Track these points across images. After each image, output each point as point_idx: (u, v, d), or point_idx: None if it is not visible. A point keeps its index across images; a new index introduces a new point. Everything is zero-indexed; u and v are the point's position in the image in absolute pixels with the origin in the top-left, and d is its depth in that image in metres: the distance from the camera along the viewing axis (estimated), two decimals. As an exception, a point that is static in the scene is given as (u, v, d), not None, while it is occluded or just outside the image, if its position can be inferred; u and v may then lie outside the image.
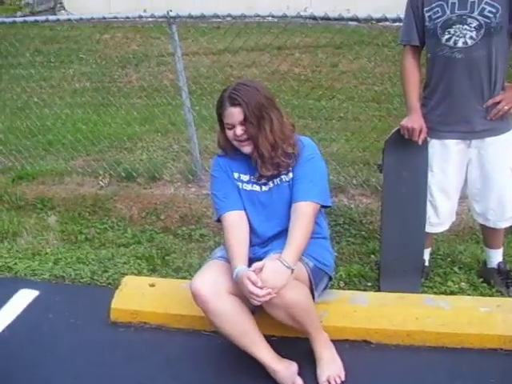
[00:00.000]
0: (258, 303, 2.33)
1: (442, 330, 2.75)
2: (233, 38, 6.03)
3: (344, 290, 3.16)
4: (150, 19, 4.85)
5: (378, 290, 3.15)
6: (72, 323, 3.03)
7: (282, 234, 2.59)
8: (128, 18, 4.49)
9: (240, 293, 2.44)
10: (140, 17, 4.43)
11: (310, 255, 2.60)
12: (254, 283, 2.29)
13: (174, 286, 2.76)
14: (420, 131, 2.86)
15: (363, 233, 3.82)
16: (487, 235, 3.19)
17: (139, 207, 4.33)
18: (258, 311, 2.50)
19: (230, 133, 2.54)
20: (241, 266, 2.43)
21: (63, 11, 13.29)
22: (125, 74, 8.03)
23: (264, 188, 2.64)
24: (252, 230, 2.65)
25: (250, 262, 2.47)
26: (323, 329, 2.63)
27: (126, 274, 3.36)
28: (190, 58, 7.25)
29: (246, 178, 2.66)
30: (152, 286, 3.08)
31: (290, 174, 2.60)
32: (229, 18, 4.43)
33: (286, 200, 2.61)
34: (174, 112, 5.66)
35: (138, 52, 8.87)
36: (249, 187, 2.65)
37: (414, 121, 2.87)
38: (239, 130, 2.50)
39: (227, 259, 2.57)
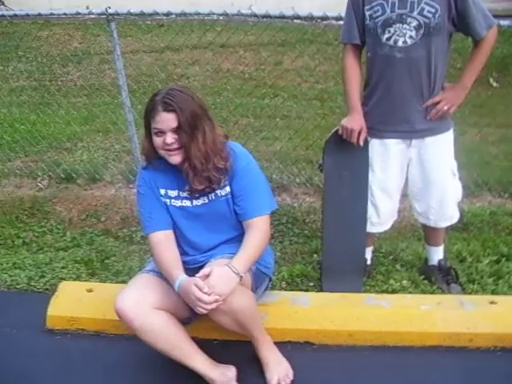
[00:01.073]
0: (205, 312, 2.27)
1: (383, 329, 2.77)
2: (174, 36, 5.95)
3: (286, 290, 3.15)
4: (89, 16, 4.72)
5: (321, 289, 3.15)
6: (6, 331, 2.93)
7: (224, 242, 2.55)
8: (65, 14, 4.37)
9: (168, 306, 2.40)
10: (78, 14, 4.30)
11: None
12: (200, 289, 2.24)
13: (113, 291, 2.67)
14: (359, 132, 2.85)
15: (306, 232, 3.82)
16: (428, 233, 3.23)
17: (79, 209, 4.23)
18: (197, 317, 2.46)
19: (158, 140, 2.39)
20: (182, 275, 2.38)
21: (3, 6, 12.93)
22: (66, 72, 7.83)
23: (196, 202, 2.53)
24: (189, 244, 2.59)
25: (190, 271, 2.42)
26: (265, 331, 2.61)
27: (65, 279, 3.28)
28: (132, 56, 7.11)
29: (173, 193, 2.55)
30: (90, 291, 3.00)
31: (227, 189, 2.51)
32: (171, 16, 4.35)
33: (225, 214, 2.54)
34: (115, 111, 5.54)
35: (79, 50, 8.67)
36: (178, 203, 2.55)
37: (354, 121, 2.86)
38: (170, 138, 2.36)
39: (158, 272, 2.51)
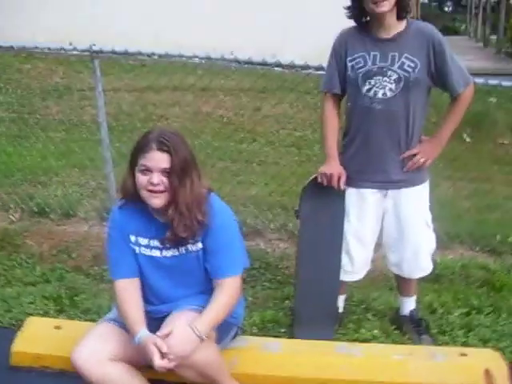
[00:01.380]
0: (164, 370, 2.24)
1: (355, 378, 2.74)
2: (157, 76, 6.00)
3: (257, 336, 3.11)
4: (74, 52, 4.73)
5: (292, 336, 3.12)
6: (-31, 366, 2.85)
7: (189, 295, 2.50)
8: (50, 49, 4.39)
9: (128, 357, 2.36)
10: (62, 49, 4.32)
11: None
12: (159, 349, 2.21)
13: (81, 329, 2.61)
14: (339, 177, 2.89)
15: (279, 278, 3.81)
16: (401, 283, 3.24)
17: (50, 244, 4.17)
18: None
19: (143, 178, 2.31)
20: (143, 330, 2.34)
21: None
22: (45, 106, 7.84)
23: (165, 253, 2.46)
24: (154, 294, 2.53)
25: (153, 321, 2.39)
26: (234, 376, 2.57)
27: (32, 315, 3.20)
28: (113, 94, 7.15)
29: (144, 241, 2.47)
30: (57, 328, 2.93)
31: (200, 244, 2.43)
32: (155, 56, 4.38)
33: (193, 270, 2.48)
34: (92, 148, 5.53)
35: (60, 85, 8.69)
36: (147, 252, 2.47)
37: (333, 167, 2.90)
38: (157, 178, 2.29)
39: (120, 322, 2.47)
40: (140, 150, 2.32)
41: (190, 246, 2.44)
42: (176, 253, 2.46)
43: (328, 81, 2.97)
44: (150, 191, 2.32)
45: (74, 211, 4.61)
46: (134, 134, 5.92)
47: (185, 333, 2.25)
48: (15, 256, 4.01)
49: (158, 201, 2.33)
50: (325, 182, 2.91)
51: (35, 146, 6.12)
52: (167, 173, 2.30)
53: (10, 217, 4.56)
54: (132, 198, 2.43)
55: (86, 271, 3.87)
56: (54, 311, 3.34)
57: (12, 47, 4.41)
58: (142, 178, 2.32)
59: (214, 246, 2.43)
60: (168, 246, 2.45)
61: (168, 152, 2.29)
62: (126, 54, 4.10)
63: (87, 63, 4.14)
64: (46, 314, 3.28)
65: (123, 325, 2.45)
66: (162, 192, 2.32)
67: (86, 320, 3.20)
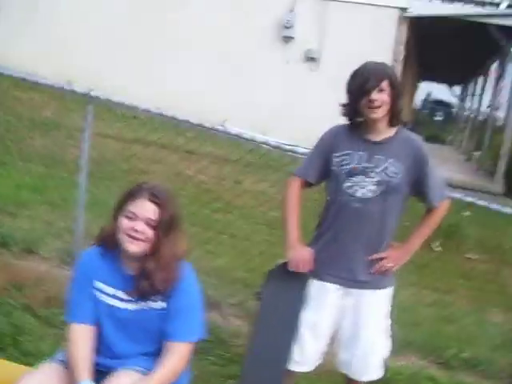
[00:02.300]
0: None
1: None
2: (147, 131, 6.06)
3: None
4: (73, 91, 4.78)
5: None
6: None
7: (139, 353, 2.47)
8: (50, 86, 4.45)
9: None
10: (61, 88, 4.38)
11: None
12: None
13: (17, 371, 2.51)
14: (309, 261, 2.91)
15: (228, 355, 3.74)
16: None
17: (4, 278, 4.07)
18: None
19: (126, 222, 2.36)
20: (87, 380, 2.30)
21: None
22: (31, 137, 7.82)
23: (127, 306, 2.46)
24: (105, 345, 2.50)
25: (98, 374, 2.34)
26: None
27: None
28: (100, 139, 7.17)
29: (110, 290, 2.47)
30: (-8, 368, 2.82)
31: (163, 304, 2.44)
32: (147, 112, 4.44)
33: (150, 327, 2.46)
34: (68, 188, 5.49)
35: (50, 119, 8.72)
36: (110, 301, 2.47)
37: (299, 251, 2.93)
38: (140, 226, 2.34)
39: (66, 364, 2.42)
40: (131, 196, 2.39)
41: (153, 304, 2.45)
42: (138, 307, 2.46)
43: (304, 168, 3.04)
44: (130, 236, 2.35)
45: (37, 248, 4.54)
46: (112, 183, 5.93)
47: None
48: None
49: (134, 248, 2.36)
50: (295, 268, 2.91)
51: (11, 175, 6.07)
52: (152, 225, 2.35)
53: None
54: (107, 243, 2.46)
55: (36, 312, 3.78)
56: (-6, 349, 3.24)
57: (12, 76, 4.47)
58: (125, 223, 2.36)
59: (177, 308, 2.43)
60: (132, 299, 2.44)
61: (158, 205, 2.36)
62: (122, 105, 4.15)
63: (82, 104, 4.15)
64: (-16, 351, 3.18)
65: (69, 367, 2.40)
66: (141, 240, 2.36)
67: (24, 363, 3.09)
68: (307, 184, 3.04)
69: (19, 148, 7.11)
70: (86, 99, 4.16)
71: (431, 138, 18.33)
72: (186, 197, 6.34)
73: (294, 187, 3.02)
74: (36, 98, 9.58)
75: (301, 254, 2.93)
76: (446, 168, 10.88)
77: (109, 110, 8.34)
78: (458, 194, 3.78)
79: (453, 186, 3.70)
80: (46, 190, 5.85)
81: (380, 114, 2.77)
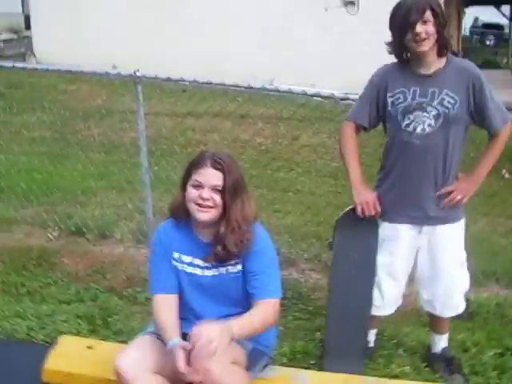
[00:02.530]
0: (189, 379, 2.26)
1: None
2: (197, 102, 6.09)
3: (287, 366, 3.09)
4: (117, 77, 4.85)
5: (322, 368, 3.10)
6: (1, 381, 2.89)
7: (225, 317, 2.51)
8: (95, 73, 4.51)
9: (166, 371, 2.38)
10: (107, 74, 4.44)
11: (250, 338, 2.50)
12: (186, 348, 2.24)
13: (112, 351, 2.64)
14: (373, 204, 2.90)
15: (310, 308, 3.79)
16: (433, 321, 3.20)
17: (86, 264, 4.23)
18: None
19: (193, 191, 2.42)
20: (176, 338, 2.38)
21: (33, 58, 13.34)
22: (87, 127, 7.99)
23: (207, 272, 2.53)
24: (190, 309, 2.58)
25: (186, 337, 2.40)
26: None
27: (65, 333, 3.25)
28: (153, 118, 7.26)
29: (187, 259, 2.55)
30: (89, 348, 2.96)
31: (239, 266, 2.50)
32: (195, 84, 4.45)
33: (231, 291, 2.53)
34: (131, 170, 5.61)
35: (102, 107, 8.86)
36: (189, 269, 2.55)
37: (364, 195, 2.92)
38: (207, 193, 2.39)
39: (158, 335, 2.50)
40: (194, 165, 2.45)
41: (230, 268, 2.51)
42: (216, 273, 2.53)
43: (356, 111, 3.00)
44: (199, 205, 2.41)
45: (111, 232, 4.68)
46: (172, 158, 6.02)
47: (215, 325, 2.23)
48: (51, 274, 4.09)
49: (205, 215, 2.43)
50: (361, 212, 2.92)
51: (75, 166, 6.24)
52: (218, 191, 2.40)
53: (48, 235, 4.64)
54: (179, 214, 2.54)
55: (120, 293, 3.91)
56: (87, 331, 3.39)
57: (58, 70, 4.56)
58: (192, 192, 2.43)
59: (255, 269, 2.48)
60: (210, 265, 2.51)
61: (221, 170, 2.40)
62: (168, 80, 4.17)
63: (130, 87, 4.20)
64: (78, 333, 3.33)
65: (161, 338, 2.48)
66: (210, 207, 2.42)
67: (117, 341, 3.23)
68: (361, 128, 3.00)
69: (78, 139, 7.31)
70: (133, 81, 4.20)
71: (485, 64, 17.68)
72: (246, 161, 6.38)
73: (348, 131, 2.99)
74: (85, 88, 9.75)
75: (364, 198, 2.92)
76: (505, 92, 10.50)
77: (157, 88, 8.42)
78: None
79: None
80: (110, 176, 5.99)
81: (427, 46, 2.70)
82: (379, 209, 2.93)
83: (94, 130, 7.88)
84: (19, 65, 5.01)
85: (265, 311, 2.44)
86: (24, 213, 5.01)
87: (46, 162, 6.24)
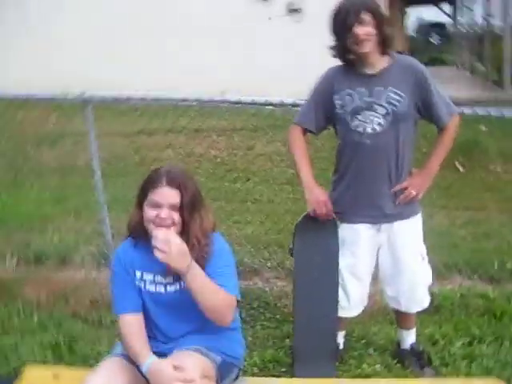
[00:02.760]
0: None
1: (357, 416, 2.71)
2: (149, 120, 6.06)
3: (258, 376, 3.08)
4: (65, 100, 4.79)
5: (293, 375, 3.09)
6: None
7: (190, 333, 2.51)
8: (41, 98, 4.45)
9: None
10: (54, 98, 4.39)
11: (218, 350, 2.49)
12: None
13: (80, 376, 2.58)
14: (325, 202, 2.92)
15: (278, 316, 3.79)
16: (399, 317, 3.23)
17: (48, 291, 4.14)
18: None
19: (151, 212, 2.37)
20: (150, 356, 2.35)
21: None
22: (39, 153, 7.87)
23: (169, 288, 2.49)
24: (156, 327, 2.54)
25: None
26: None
27: (29, 364, 3.17)
28: (106, 138, 7.18)
29: (149, 277, 2.51)
30: (56, 376, 2.89)
31: None
32: (144, 102, 4.43)
33: (196, 305, 2.44)
34: (87, 193, 5.51)
35: (53, 131, 8.73)
36: (152, 288, 2.51)
37: (315, 194, 2.94)
38: (165, 213, 2.35)
39: (126, 356, 2.46)
40: (150, 184, 2.40)
41: None
42: (178, 287, 2.48)
43: (303, 115, 3.03)
44: (158, 225, 2.37)
45: (71, 257, 4.60)
46: (128, 178, 5.95)
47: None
48: (12, 305, 3.98)
49: None
50: (313, 212, 2.93)
51: (30, 193, 6.13)
52: (176, 208, 2.37)
53: (7, 265, 4.54)
54: (137, 233, 2.49)
55: (84, 317, 3.85)
56: (53, 359, 3.32)
57: (2, 99, 4.48)
58: (150, 213, 2.38)
59: (211, 271, 2.43)
60: (171, 281, 2.47)
61: (177, 188, 2.36)
62: (116, 99, 4.14)
63: (80, 108, 4.16)
64: (44, 363, 3.25)
65: (130, 359, 2.44)
66: (168, 227, 2.37)
67: (84, 367, 3.17)
68: (308, 132, 3.03)
69: (31, 166, 7.18)
70: (82, 103, 4.16)
71: (431, 61, 18.06)
72: (202, 174, 6.35)
73: (296, 134, 3.02)
74: (34, 113, 9.58)
75: (315, 197, 2.93)
76: (452, 87, 10.72)
77: (107, 108, 8.34)
78: (468, 110, 3.72)
79: (462, 103, 3.64)
80: (66, 200, 5.90)
81: (368, 47, 2.74)
82: (330, 207, 2.93)
83: (46, 154, 7.76)
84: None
85: (222, 298, 2.40)
86: (-21, 244, 4.89)
87: (-1, 192, 6.11)
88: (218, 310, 2.41)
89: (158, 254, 2.30)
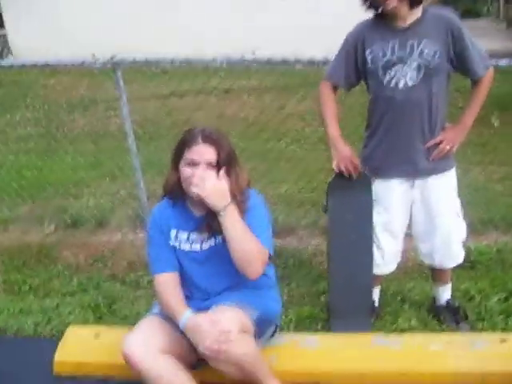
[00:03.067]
0: (214, 347, 2.26)
1: (394, 370, 2.72)
2: (178, 82, 6.05)
3: (294, 332, 3.12)
4: (96, 65, 4.79)
5: (329, 331, 3.12)
6: (14, 379, 2.90)
7: (228, 289, 2.55)
8: (72, 64, 4.45)
9: (174, 349, 2.40)
10: (83, 63, 4.38)
11: (256, 307, 2.52)
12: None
13: (120, 336, 2.64)
14: (350, 159, 2.90)
15: (313, 274, 3.81)
16: (435, 273, 3.22)
17: (86, 255, 4.24)
18: (205, 362, 2.42)
19: (187, 170, 2.41)
20: (187, 311, 2.40)
21: (10, 55, 13.19)
22: (72, 119, 7.95)
23: (204, 246, 2.54)
24: (194, 285, 2.59)
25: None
26: (274, 374, 2.58)
27: (71, 324, 3.26)
28: (137, 102, 7.21)
29: (184, 236, 2.56)
30: (97, 336, 2.98)
31: None
32: (175, 63, 4.40)
33: (231, 261, 2.47)
34: (121, 157, 5.58)
35: (85, 97, 8.80)
36: (187, 247, 2.55)
37: (340, 152, 2.91)
38: (203, 170, 2.38)
39: (163, 315, 2.51)
40: (185, 143, 2.43)
41: None
42: (213, 243, 2.53)
43: (332, 71, 2.96)
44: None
45: (107, 221, 4.67)
46: (160, 141, 5.99)
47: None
48: (52, 268, 4.09)
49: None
50: (338, 168, 2.93)
51: (65, 159, 6.22)
52: (213, 165, 2.39)
53: (45, 230, 4.64)
54: (174, 194, 2.54)
55: (122, 279, 3.92)
56: (93, 319, 3.40)
57: (35, 64, 4.50)
58: (187, 171, 2.41)
59: (248, 223, 2.45)
60: (206, 237, 2.52)
61: (213, 145, 2.40)
62: (146, 63, 4.12)
63: (110, 74, 4.16)
64: (85, 323, 3.34)
65: (167, 317, 2.49)
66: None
67: (124, 327, 3.23)
68: (338, 87, 2.99)
69: (64, 132, 7.27)
70: (112, 67, 4.15)
71: (465, 13, 17.62)
72: (234, 135, 6.34)
73: (325, 91, 2.97)
74: (65, 80, 9.66)
75: (341, 154, 2.91)
76: (486, 40, 10.46)
77: (137, 72, 8.36)
78: (504, 61, 3.62)
79: (497, 56, 3.55)
80: (100, 165, 5.97)
81: (393, 2, 2.67)
82: (357, 162, 2.91)
83: (79, 121, 7.84)
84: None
85: (256, 248, 2.41)
86: (18, 211, 5.00)
87: (34, 159, 6.21)
88: (250, 259, 2.41)
89: (193, 190, 2.34)
